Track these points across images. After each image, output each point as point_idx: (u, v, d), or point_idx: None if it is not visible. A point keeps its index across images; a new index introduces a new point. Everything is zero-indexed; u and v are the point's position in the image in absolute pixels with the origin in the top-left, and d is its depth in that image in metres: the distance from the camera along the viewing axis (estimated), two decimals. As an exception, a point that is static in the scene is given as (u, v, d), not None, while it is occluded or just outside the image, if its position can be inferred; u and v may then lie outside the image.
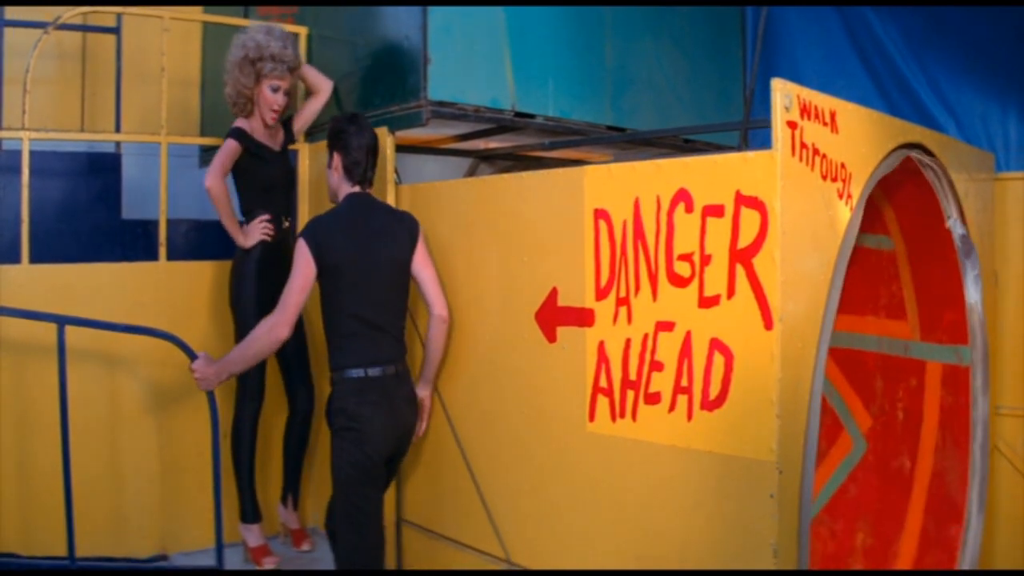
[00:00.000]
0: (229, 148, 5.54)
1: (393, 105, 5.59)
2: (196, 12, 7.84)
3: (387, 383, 4.74)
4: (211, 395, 5.06)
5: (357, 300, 4.72)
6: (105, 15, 7.43)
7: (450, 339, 5.13)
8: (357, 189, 4.89)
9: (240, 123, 5.66)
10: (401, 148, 5.69)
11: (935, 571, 5.27)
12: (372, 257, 4.75)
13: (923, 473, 5.46)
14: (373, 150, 4.91)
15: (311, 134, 6.34)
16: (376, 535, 4.82)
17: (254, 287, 5.59)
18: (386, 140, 5.48)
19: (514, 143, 6.35)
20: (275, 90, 5.69)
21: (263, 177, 5.73)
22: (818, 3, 6.82)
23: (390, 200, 5.47)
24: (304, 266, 4.64)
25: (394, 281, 4.85)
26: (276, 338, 4.66)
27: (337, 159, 4.88)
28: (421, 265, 4.94)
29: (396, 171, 5.56)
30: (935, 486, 5.40)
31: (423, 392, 5.09)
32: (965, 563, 5.23)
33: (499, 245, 4.87)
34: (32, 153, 5.71)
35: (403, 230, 4.92)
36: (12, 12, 7.32)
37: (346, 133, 4.87)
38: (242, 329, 5.50)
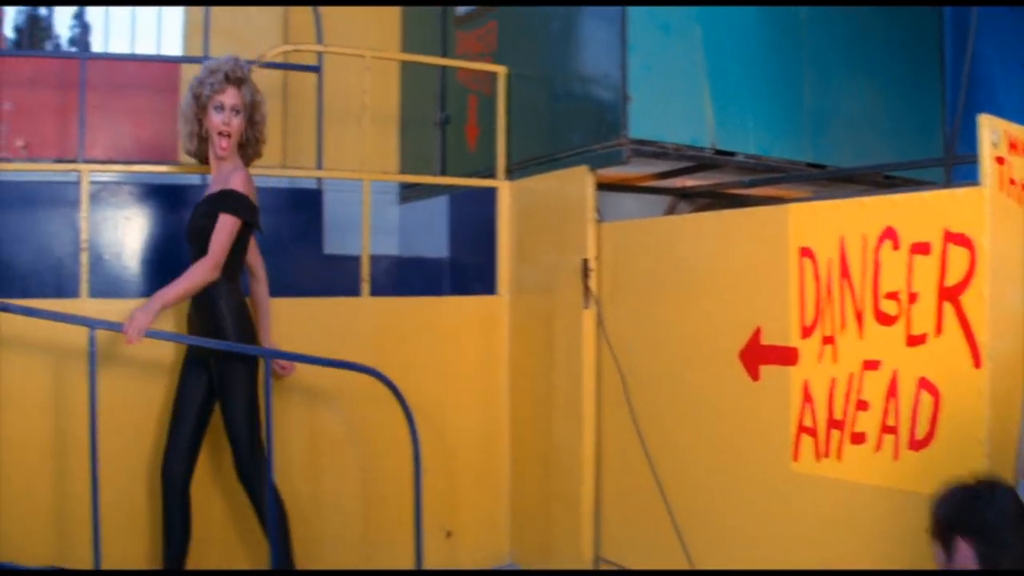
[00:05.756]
0: None
1: (593, 143, 5.78)
2: (396, 51, 8.18)
3: None
4: (413, 428, 5.30)
5: None
6: (306, 53, 7.71)
7: (651, 377, 5.32)
8: None
9: None
10: (600, 186, 5.83)
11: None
12: None
13: None
14: None
15: (512, 171, 6.61)
16: None
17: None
18: (586, 178, 5.68)
19: (713, 181, 6.48)
20: (219, 108, 5.32)
21: None
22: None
23: (591, 239, 5.67)
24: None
25: None
26: None
27: None
28: None
29: (597, 209, 5.73)
30: None
31: None
32: None
33: (701, 283, 5.01)
34: (236, 188, 6.01)
35: None
36: (219, 50, 7.63)
37: None
38: None
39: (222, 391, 5.22)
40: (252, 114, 5.46)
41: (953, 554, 3.14)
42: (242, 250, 5.39)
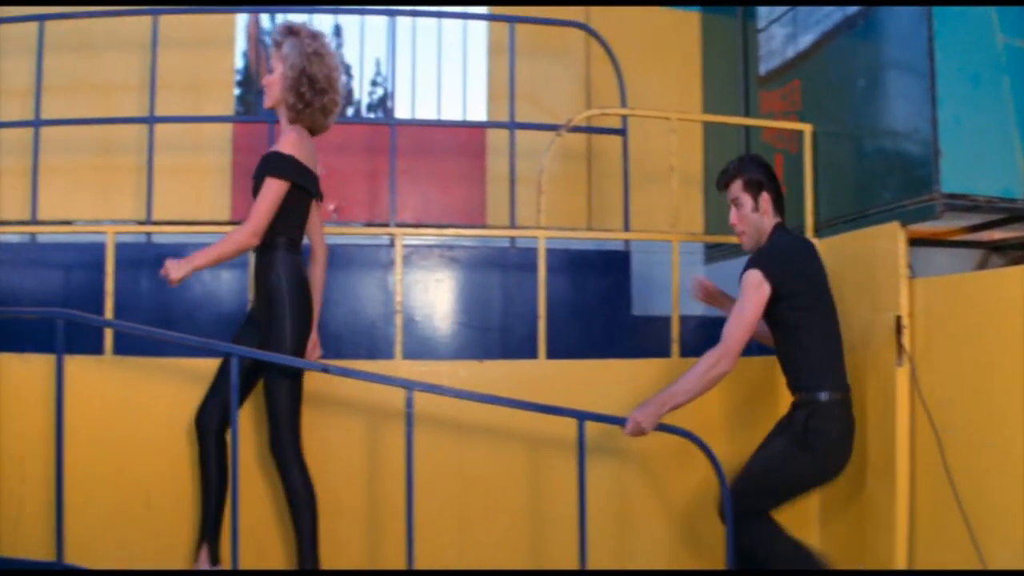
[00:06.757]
0: None
1: (904, 199, 5.83)
2: (698, 111, 8.37)
3: None
4: (725, 490, 5.37)
5: None
6: (611, 117, 7.90)
7: (968, 436, 5.31)
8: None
9: None
10: (910, 241, 5.83)
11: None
12: None
13: None
14: None
15: (820, 229, 6.69)
16: None
17: None
18: (898, 234, 5.72)
19: (1025, 233, 6.44)
20: None
21: None
22: None
23: (904, 296, 5.69)
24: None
25: None
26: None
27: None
28: None
29: (909, 265, 5.75)
30: None
31: None
32: None
33: (1019, 338, 4.97)
34: (546, 251, 6.30)
35: None
36: (523, 115, 8.01)
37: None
38: None
39: (265, 364, 5.21)
40: (309, 76, 5.32)
41: (760, 201, 5.61)
42: (300, 217, 5.38)
